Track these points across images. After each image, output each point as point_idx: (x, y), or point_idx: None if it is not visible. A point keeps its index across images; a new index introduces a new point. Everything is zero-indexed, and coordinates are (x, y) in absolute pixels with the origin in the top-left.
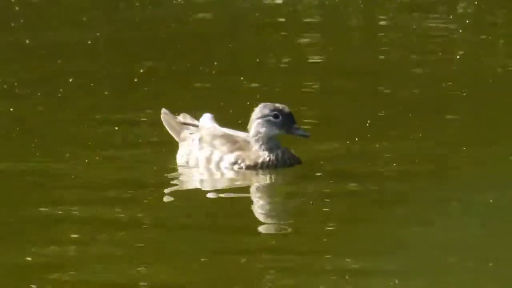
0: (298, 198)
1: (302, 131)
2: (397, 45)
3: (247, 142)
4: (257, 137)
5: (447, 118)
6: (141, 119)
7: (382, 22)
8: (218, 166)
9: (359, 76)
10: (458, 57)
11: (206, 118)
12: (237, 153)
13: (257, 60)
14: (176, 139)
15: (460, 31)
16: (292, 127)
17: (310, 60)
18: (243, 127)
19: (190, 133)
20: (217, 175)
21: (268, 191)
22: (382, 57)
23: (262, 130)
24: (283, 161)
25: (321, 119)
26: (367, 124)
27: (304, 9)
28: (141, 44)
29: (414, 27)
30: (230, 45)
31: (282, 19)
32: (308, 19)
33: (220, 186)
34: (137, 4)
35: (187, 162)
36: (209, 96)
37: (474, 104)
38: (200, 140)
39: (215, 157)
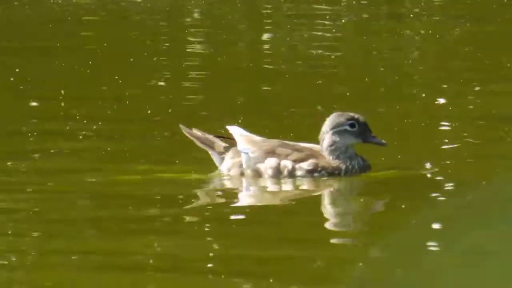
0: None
1: (379, 140)
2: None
3: (312, 150)
4: (333, 147)
5: None
6: None
7: None
8: (291, 175)
9: None
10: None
11: (238, 130)
12: (312, 160)
13: None
14: (211, 151)
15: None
16: (369, 136)
17: None
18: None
19: (226, 145)
20: (291, 184)
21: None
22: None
23: (339, 139)
24: (363, 167)
25: None
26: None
27: None
28: None
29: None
30: None
31: None
32: None
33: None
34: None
35: (242, 173)
36: None
37: None
38: (256, 149)
39: (287, 166)
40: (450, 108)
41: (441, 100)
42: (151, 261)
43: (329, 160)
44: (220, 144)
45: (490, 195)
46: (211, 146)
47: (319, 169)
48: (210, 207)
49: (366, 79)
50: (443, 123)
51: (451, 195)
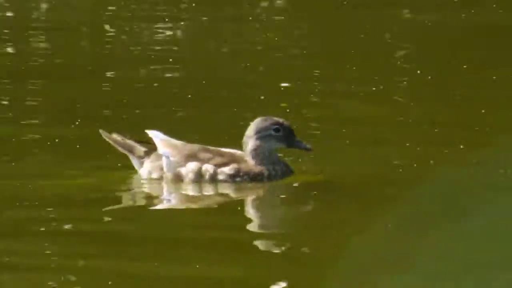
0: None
1: (304, 144)
2: None
3: (234, 155)
4: (257, 151)
5: None
6: None
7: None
8: (213, 179)
9: None
10: None
11: (158, 134)
12: (234, 165)
13: None
14: (131, 156)
15: None
16: (294, 141)
17: None
18: None
19: (146, 150)
20: (211, 188)
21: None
22: None
23: (263, 144)
24: (286, 172)
25: None
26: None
27: None
28: None
29: None
30: None
31: None
32: None
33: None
34: None
35: (161, 177)
36: None
37: None
38: (176, 153)
39: (208, 170)
40: (288, 111)
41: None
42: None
43: (252, 165)
44: (140, 148)
45: (417, 202)
46: (131, 150)
47: (241, 174)
48: (129, 211)
49: (204, 82)
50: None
51: (374, 198)
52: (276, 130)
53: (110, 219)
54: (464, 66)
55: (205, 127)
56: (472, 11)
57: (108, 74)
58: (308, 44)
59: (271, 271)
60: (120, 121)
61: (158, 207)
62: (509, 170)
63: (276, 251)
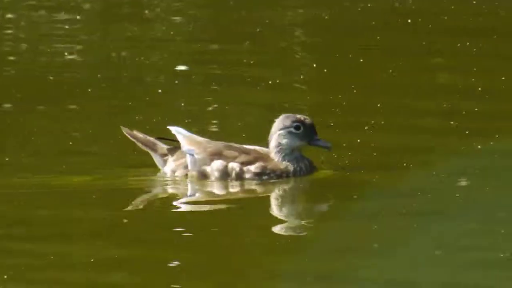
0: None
1: (324, 142)
2: None
3: (259, 152)
4: (279, 148)
5: None
6: None
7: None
8: (239, 177)
9: None
10: None
11: (181, 131)
12: (260, 163)
13: None
14: (153, 153)
15: None
16: (314, 138)
17: None
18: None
19: (169, 147)
20: (237, 186)
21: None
22: None
23: (284, 141)
24: (311, 169)
25: None
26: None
27: None
28: None
29: None
30: None
31: None
32: None
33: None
34: None
35: (186, 175)
36: None
37: None
38: (201, 150)
39: (234, 168)
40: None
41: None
42: (95, 267)
43: (277, 162)
44: (162, 146)
45: (440, 196)
46: (153, 148)
47: (267, 171)
48: (154, 210)
49: (99, 75)
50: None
51: (395, 195)
52: (297, 127)
53: (133, 218)
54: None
55: None
56: (369, 5)
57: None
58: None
59: (301, 268)
60: None
61: (184, 206)
62: None
63: (306, 248)
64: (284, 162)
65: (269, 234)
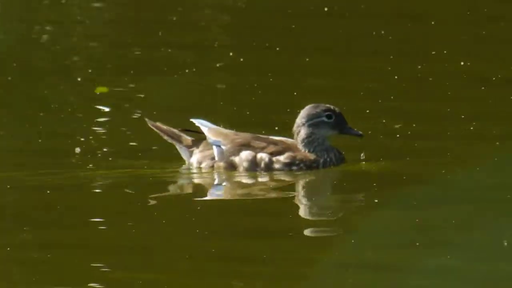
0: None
1: (356, 131)
2: None
3: (286, 143)
4: (310, 139)
5: None
6: None
7: None
8: (268, 168)
9: None
10: None
11: (205, 123)
12: (289, 153)
13: None
14: (179, 145)
15: None
16: (346, 127)
17: None
18: None
19: (193, 139)
20: (266, 177)
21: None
22: None
23: (316, 131)
24: (340, 159)
25: None
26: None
27: None
28: None
29: None
30: None
31: None
32: None
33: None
34: None
35: (212, 166)
36: None
37: None
38: (228, 142)
39: (263, 159)
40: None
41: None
42: (123, 257)
43: (306, 153)
44: (187, 137)
45: (466, 188)
46: (179, 139)
47: (297, 162)
48: (184, 201)
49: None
50: None
51: (424, 187)
52: (329, 116)
53: (167, 210)
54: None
55: None
56: None
57: None
58: None
59: (331, 257)
60: None
61: (214, 197)
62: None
63: (335, 238)
64: (313, 153)
65: (302, 224)
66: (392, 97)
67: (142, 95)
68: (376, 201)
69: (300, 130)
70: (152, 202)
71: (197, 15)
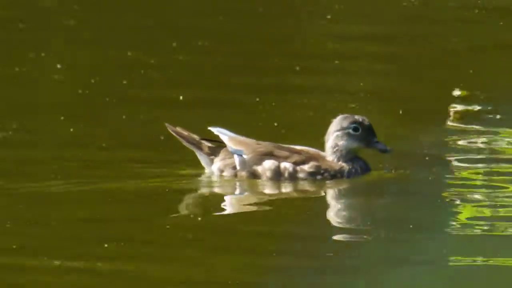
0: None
1: (382, 146)
2: None
3: (309, 152)
4: (335, 149)
5: None
6: None
7: None
8: (292, 177)
9: None
10: None
11: (225, 131)
12: (313, 163)
13: None
14: (198, 152)
15: None
16: (372, 141)
17: None
18: None
19: (212, 146)
20: (290, 186)
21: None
22: None
23: (341, 143)
24: (365, 169)
25: None
26: None
27: None
28: None
29: None
30: None
31: None
32: None
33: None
34: None
35: (235, 175)
36: None
37: None
38: (250, 151)
39: (287, 168)
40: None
41: None
42: (144, 267)
43: (330, 162)
44: (207, 144)
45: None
46: (199, 146)
47: (321, 171)
48: (204, 210)
49: None
50: None
51: (452, 195)
52: (355, 129)
53: (190, 219)
54: None
55: None
56: None
57: None
58: None
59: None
60: None
61: (238, 206)
62: None
63: (361, 246)
64: (339, 163)
65: (328, 232)
66: None
67: None
68: (396, 210)
69: (329, 139)
70: (175, 214)
71: None
